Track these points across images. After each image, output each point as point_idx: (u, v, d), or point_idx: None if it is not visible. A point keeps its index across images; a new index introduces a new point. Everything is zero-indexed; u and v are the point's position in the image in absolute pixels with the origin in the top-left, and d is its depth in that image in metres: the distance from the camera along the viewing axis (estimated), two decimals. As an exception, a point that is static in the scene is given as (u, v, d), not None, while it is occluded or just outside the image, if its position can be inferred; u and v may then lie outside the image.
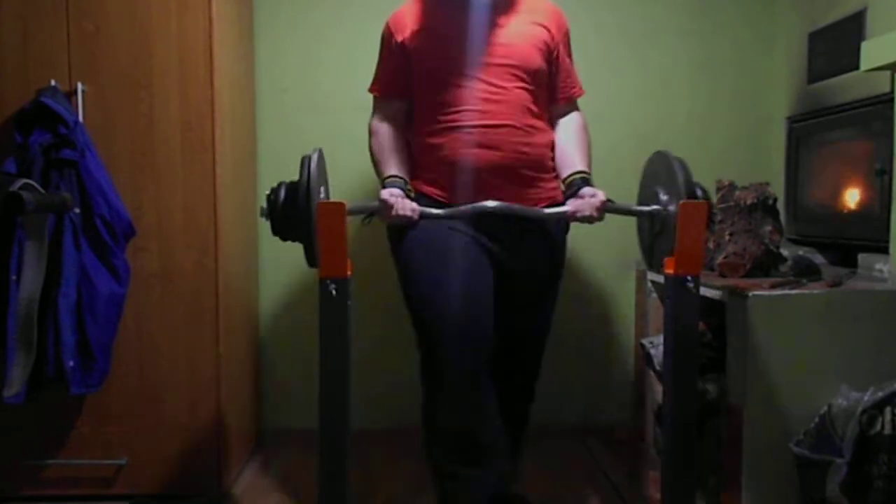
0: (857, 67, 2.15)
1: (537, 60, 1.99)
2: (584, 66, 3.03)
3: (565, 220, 1.99)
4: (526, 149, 1.96)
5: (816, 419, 1.87)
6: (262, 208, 1.52)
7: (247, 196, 2.76)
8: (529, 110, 1.98)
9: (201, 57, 2.32)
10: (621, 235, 3.01)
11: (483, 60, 1.94)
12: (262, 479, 2.65)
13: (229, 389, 2.47)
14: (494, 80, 1.94)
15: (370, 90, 2.11)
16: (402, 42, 2.01)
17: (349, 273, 1.34)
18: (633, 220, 3.04)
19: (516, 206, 1.82)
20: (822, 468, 1.82)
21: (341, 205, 1.30)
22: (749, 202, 2.26)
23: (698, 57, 3.05)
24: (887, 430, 1.74)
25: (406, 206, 1.80)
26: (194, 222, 2.35)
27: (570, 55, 2.14)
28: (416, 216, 1.80)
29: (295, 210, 1.44)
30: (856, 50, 2.15)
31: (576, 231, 3.02)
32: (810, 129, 2.70)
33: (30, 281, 2.15)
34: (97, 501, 2.37)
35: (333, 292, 1.33)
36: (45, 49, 2.30)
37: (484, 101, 1.93)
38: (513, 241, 1.96)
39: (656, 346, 2.60)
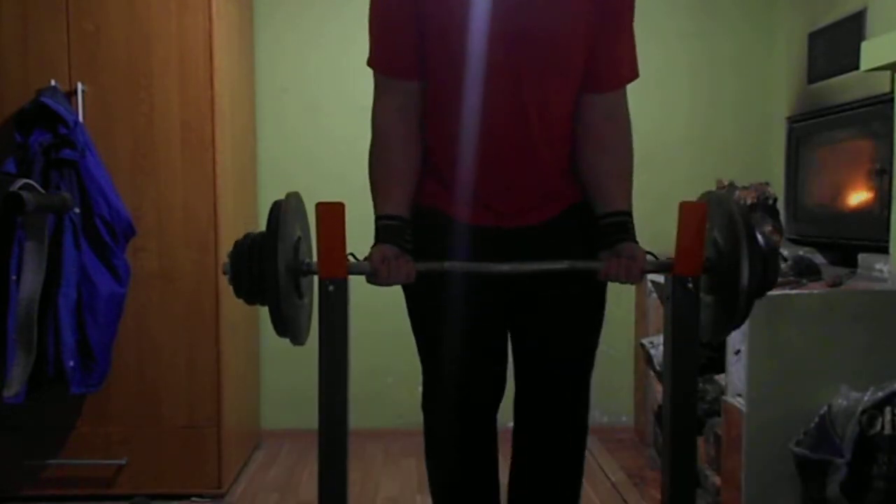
0: (857, 67, 2.15)
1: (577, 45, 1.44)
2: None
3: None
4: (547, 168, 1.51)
5: (816, 419, 1.87)
6: (224, 264, 1.32)
7: (247, 196, 2.76)
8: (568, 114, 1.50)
9: (201, 57, 2.32)
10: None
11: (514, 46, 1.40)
12: (262, 479, 2.65)
13: (229, 389, 2.47)
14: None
15: (372, 64, 1.50)
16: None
17: (348, 273, 1.34)
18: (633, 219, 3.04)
19: (534, 265, 1.43)
20: (822, 468, 1.82)
21: (341, 205, 1.30)
22: (749, 202, 2.26)
23: (699, 57, 3.05)
24: (887, 430, 1.74)
25: (400, 272, 1.40)
26: (194, 222, 2.35)
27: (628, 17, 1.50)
28: (411, 279, 1.42)
29: (259, 270, 1.27)
30: (856, 50, 2.15)
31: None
32: (810, 129, 2.70)
33: (30, 281, 2.15)
34: (97, 501, 2.37)
35: (332, 292, 1.33)
36: (45, 49, 2.30)
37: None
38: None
39: (656, 346, 2.60)
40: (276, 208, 1.31)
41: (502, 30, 1.38)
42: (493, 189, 1.50)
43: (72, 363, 2.19)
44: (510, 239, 1.51)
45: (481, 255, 1.48)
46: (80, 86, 2.29)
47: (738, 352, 2.04)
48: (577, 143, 1.51)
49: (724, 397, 2.13)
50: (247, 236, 1.33)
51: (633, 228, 1.51)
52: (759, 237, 1.32)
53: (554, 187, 1.53)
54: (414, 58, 1.44)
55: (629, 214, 1.51)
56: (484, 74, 1.41)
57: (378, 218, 1.47)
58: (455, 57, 1.40)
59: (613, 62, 1.49)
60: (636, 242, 1.48)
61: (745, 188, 2.34)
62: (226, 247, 2.41)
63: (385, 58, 1.48)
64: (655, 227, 2.86)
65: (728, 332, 1.42)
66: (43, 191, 2.16)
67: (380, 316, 2.97)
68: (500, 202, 1.51)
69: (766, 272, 1.32)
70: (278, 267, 1.26)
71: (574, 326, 1.65)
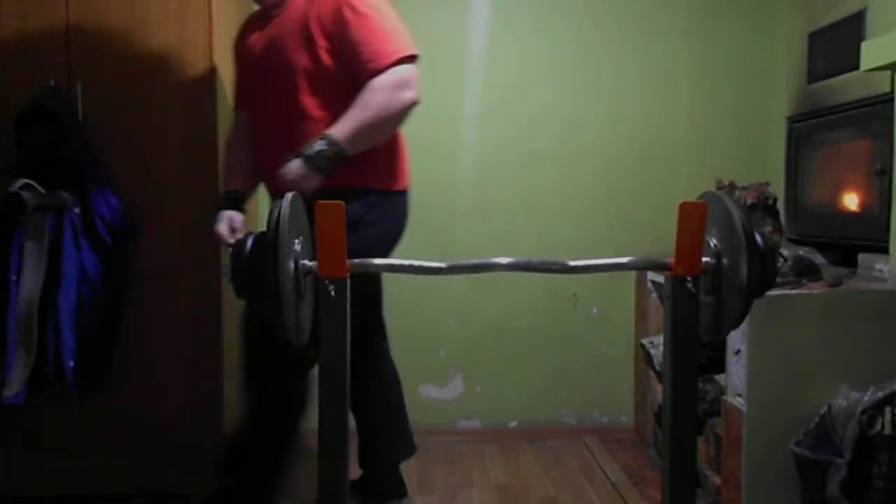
0: (857, 67, 2.15)
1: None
2: (587, 65, 3.06)
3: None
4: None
5: (816, 419, 1.87)
6: (224, 267, 1.38)
7: (247, 196, 2.76)
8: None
9: (201, 57, 2.32)
10: (621, 233, 3.02)
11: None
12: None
13: (229, 389, 2.47)
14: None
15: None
16: None
17: (348, 273, 1.34)
18: (630, 218, 3.05)
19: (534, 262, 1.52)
20: (822, 468, 1.82)
21: (340, 205, 1.30)
22: (749, 202, 2.26)
23: (699, 57, 3.05)
24: (887, 430, 1.74)
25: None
26: (194, 222, 2.35)
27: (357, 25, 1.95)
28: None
29: (260, 271, 1.28)
30: (856, 50, 2.15)
31: (575, 230, 3.04)
32: (810, 129, 2.70)
33: (30, 281, 2.15)
34: (97, 501, 2.37)
35: (332, 293, 1.33)
36: (45, 48, 2.29)
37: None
38: None
39: (656, 346, 2.61)
40: (277, 208, 1.32)
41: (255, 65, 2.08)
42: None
43: (72, 363, 2.19)
44: None
45: None
46: (79, 85, 2.29)
47: (738, 352, 2.04)
48: None
49: (724, 397, 2.13)
50: (247, 236, 1.34)
51: (323, 151, 1.89)
52: (758, 237, 1.32)
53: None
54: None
55: (324, 137, 1.90)
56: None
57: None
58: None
59: (360, 62, 1.93)
60: (301, 157, 1.90)
61: (745, 188, 2.34)
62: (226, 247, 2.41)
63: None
64: (655, 227, 2.87)
65: (727, 332, 1.42)
66: (42, 191, 2.16)
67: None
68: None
69: (765, 272, 1.33)
70: (279, 267, 1.26)
71: None
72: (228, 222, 2.09)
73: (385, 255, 2.04)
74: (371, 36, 1.93)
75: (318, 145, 1.88)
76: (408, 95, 1.94)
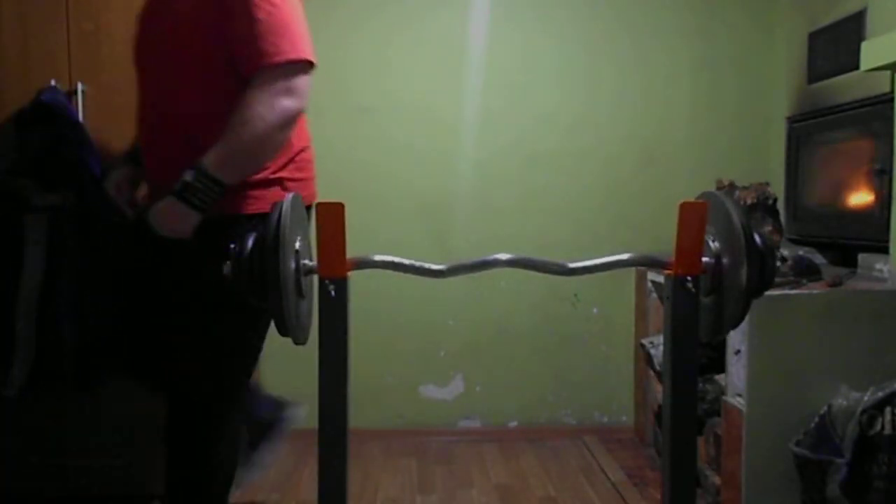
0: (857, 67, 2.15)
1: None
2: (588, 65, 3.06)
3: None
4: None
5: (816, 419, 1.87)
6: (223, 266, 1.32)
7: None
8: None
9: (201, 57, 2.32)
10: (621, 234, 3.02)
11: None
12: (263, 479, 2.65)
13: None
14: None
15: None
16: None
17: (348, 273, 1.34)
18: (631, 219, 3.05)
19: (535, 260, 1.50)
20: (822, 468, 1.82)
21: (340, 205, 1.30)
22: (749, 202, 2.26)
23: (699, 57, 3.05)
24: (887, 430, 1.74)
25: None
26: (194, 222, 2.34)
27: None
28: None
29: (261, 269, 1.27)
30: (856, 50, 2.15)
31: (576, 230, 3.04)
32: (810, 129, 2.70)
33: (30, 279, 2.15)
34: (97, 501, 2.37)
35: (332, 292, 1.33)
36: (45, 49, 2.29)
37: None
38: None
39: (656, 346, 2.61)
40: (278, 208, 1.32)
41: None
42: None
43: (72, 363, 2.19)
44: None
45: None
46: (80, 85, 2.29)
47: (738, 352, 2.04)
48: None
49: (724, 397, 2.13)
50: (248, 236, 1.34)
51: (192, 185, 1.58)
52: (757, 237, 1.32)
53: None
54: None
55: (193, 168, 1.58)
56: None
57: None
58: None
59: (241, 58, 1.62)
60: (172, 194, 1.59)
61: (745, 188, 2.34)
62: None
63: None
64: (656, 228, 2.87)
65: (725, 332, 1.42)
66: (43, 190, 2.16)
67: (380, 316, 2.98)
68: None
69: (764, 272, 1.33)
70: (281, 267, 1.26)
71: None
72: (115, 182, 1.93)
73: None
74: (261, 29, 1.59)
75: (188, 177, 1.57)
76: (288, 104, 1.60)
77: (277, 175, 1.72)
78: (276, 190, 1.70)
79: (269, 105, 1.58)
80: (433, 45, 3.00)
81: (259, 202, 1.68)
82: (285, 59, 1.59)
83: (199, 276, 1.63)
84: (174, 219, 1.59)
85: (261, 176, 1.69)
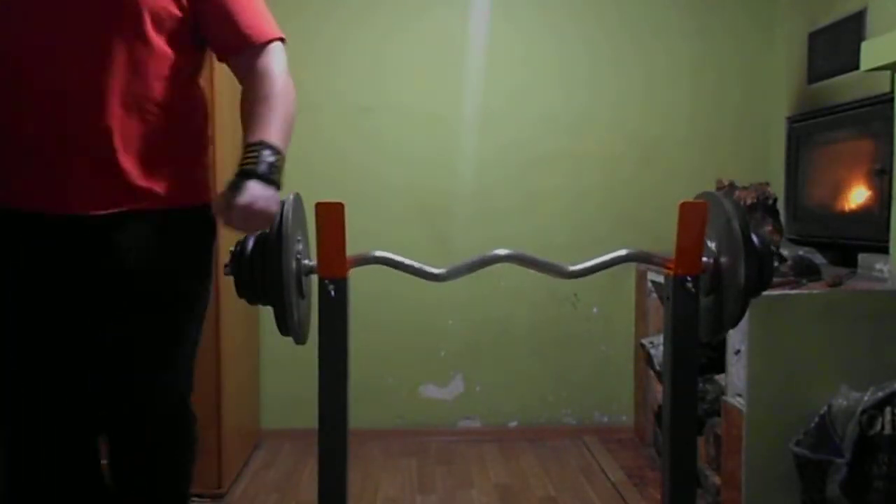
0: (857, 67, 2.15)
1: None
2: (588, 66, 3.06)
3: None
4: None
5: (816, 419, 1.87)
6: (225, 266, 1.30)
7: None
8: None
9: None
10: (622, 235, 3.02)
11: None
12: (262, 479, 2.65)
13: (229, 389, 2.47)
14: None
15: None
16: None
17: (349, 272, 1.34)
18: (631, 219, 3.05)
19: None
20: (822, 468, 1.82)
21: (340, 205, 1.30)
22: (749, 202, 2.26)
23: (699, 57, 3.05)
24: (887, 430, 1.74)
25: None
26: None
27: None
28: None
29: (264, 269, 1.26)
30: (856, 50, 2.15)
31: (576, 231, 3.04)
32: (810, 129, 2.70)
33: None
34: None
35: (332, 293, 1.33)
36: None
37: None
38: None
39: (656, 346, 2.61)
40: (280, 207, 1.32)
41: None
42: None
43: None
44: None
45: None
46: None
47: (738, 352, 2.04)
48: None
49: (724, 397, 2.13)
50: (248, 235, 1.33)
51: (275, 164, 1.42)
52: (755, 237, 1.32)
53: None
54: None
55: (266, 145, 1.43)
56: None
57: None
58: None
59: (231, 32, 1.53)
60: (255, 178, 1.37)
61: (745, 188, 2.34)
62: (227, 245, 2.41)
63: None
64: (656, 228, 2.87)
65: (724, 331, 1.43)
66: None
67: (380, 316, 2.98)
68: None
69: (762, 272, 1.33)
70: (284, 267, 1.27)
71: None
72: None
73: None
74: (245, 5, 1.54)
75: (267, 157, 1.40)
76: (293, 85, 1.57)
77: (205, 159, 1.62)
78: (208, 175, 1.62)
79: (289, 78, 1.58)
80: (433, 44, 3.00)
81: (207, 190, 1.59)
82: (280, 36, 1.62)
83: (187, 270, 1.54)
84: (270, 202, 1.36)
85: (204, 160, 1.60)
